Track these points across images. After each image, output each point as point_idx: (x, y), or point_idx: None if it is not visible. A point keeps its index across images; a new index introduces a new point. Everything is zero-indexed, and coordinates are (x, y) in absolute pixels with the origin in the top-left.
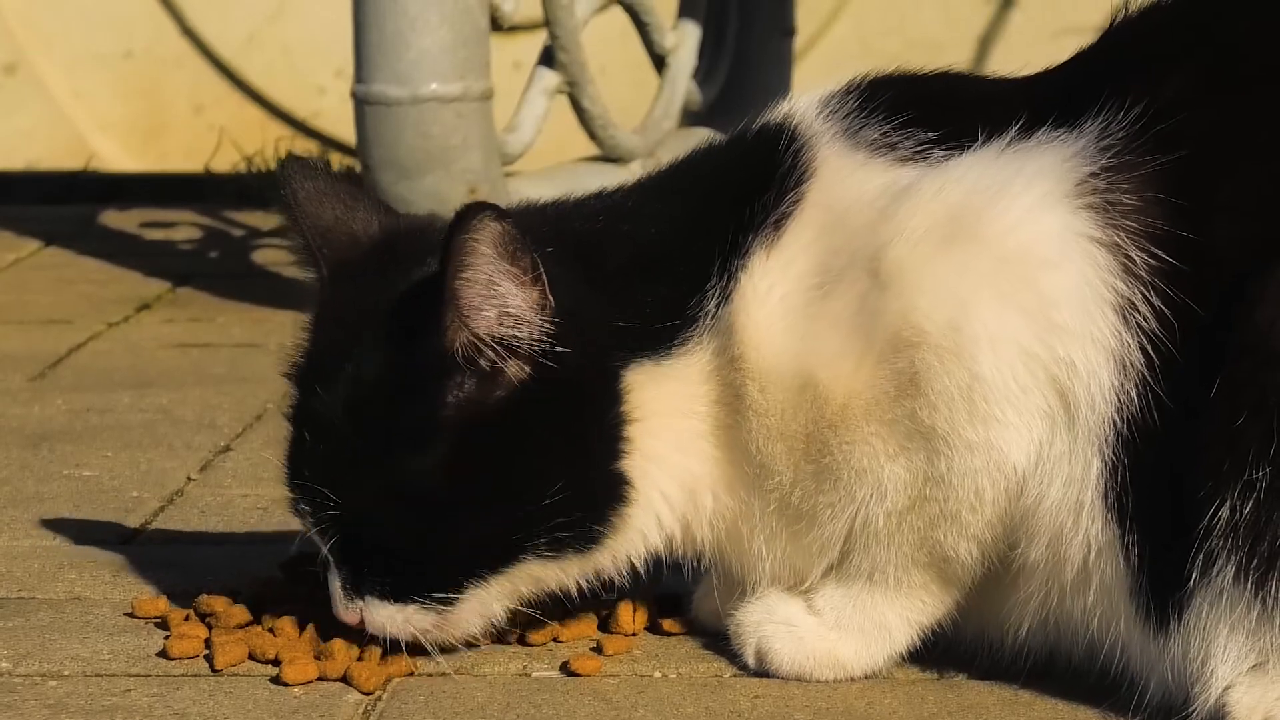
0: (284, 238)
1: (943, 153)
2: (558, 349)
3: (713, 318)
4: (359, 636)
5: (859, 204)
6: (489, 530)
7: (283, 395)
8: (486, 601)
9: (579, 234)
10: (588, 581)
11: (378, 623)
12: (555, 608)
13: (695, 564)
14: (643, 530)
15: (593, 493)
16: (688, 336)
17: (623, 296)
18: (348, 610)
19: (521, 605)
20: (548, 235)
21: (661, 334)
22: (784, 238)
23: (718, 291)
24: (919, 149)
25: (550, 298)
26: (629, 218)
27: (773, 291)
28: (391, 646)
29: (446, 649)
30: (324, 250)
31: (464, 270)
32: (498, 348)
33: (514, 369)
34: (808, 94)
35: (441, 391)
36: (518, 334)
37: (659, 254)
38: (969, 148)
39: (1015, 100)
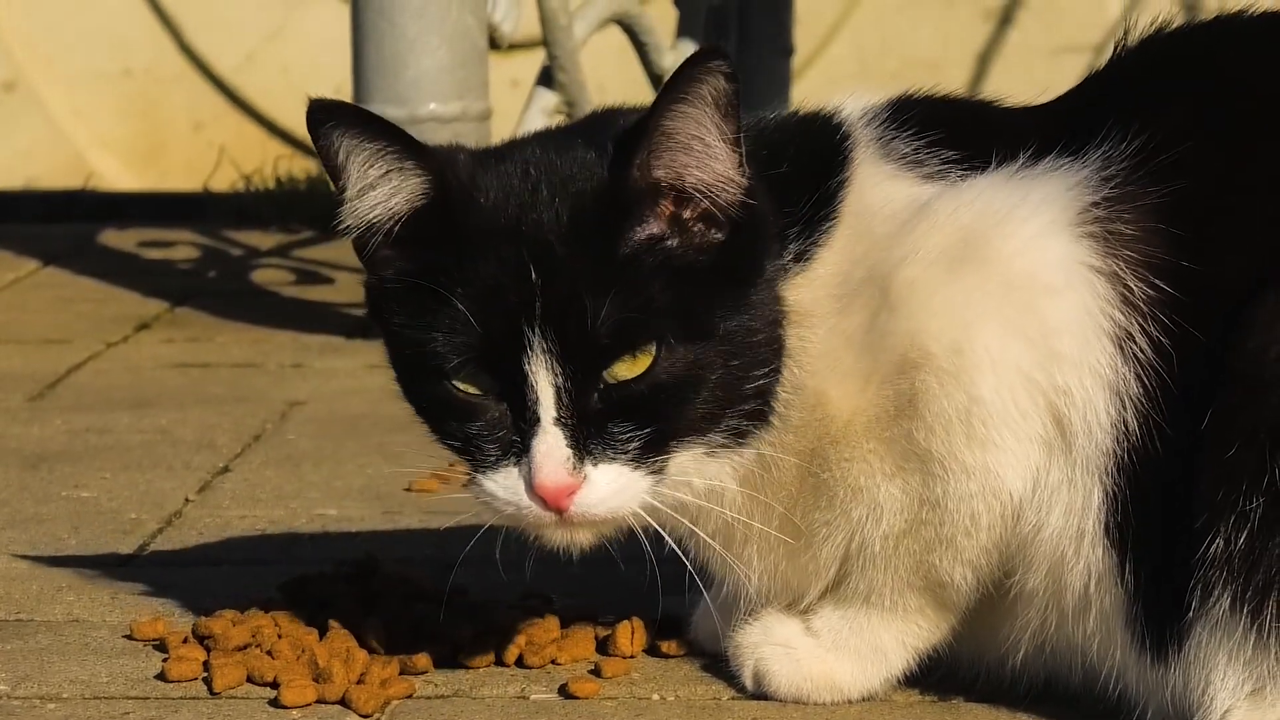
0: (345, 158)
1: (961, 172)
2: (751, 223)
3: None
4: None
5: (881, 216)
6: (712, 390)
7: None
8: (682, 469)
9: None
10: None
11: (603, 491)
12: (553, 629)
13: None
14: (748, 459)
15: (771, 387)
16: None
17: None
18: (572, 474)
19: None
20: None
21: (783, 245)
22: (834, 240)
23: (794, 247)
24: (941, 167)
25: (746, 166)
26: (768, 138)
27: (818, 294)
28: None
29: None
30: (415, 148)
31: (680, 104)
32: (699, 195)
33: (711, 231)
34: (855, 98)
35: (644, 228)
36: (716, 190)
37: (783, 188)
38: (984, 169)
39: (1029, 126)
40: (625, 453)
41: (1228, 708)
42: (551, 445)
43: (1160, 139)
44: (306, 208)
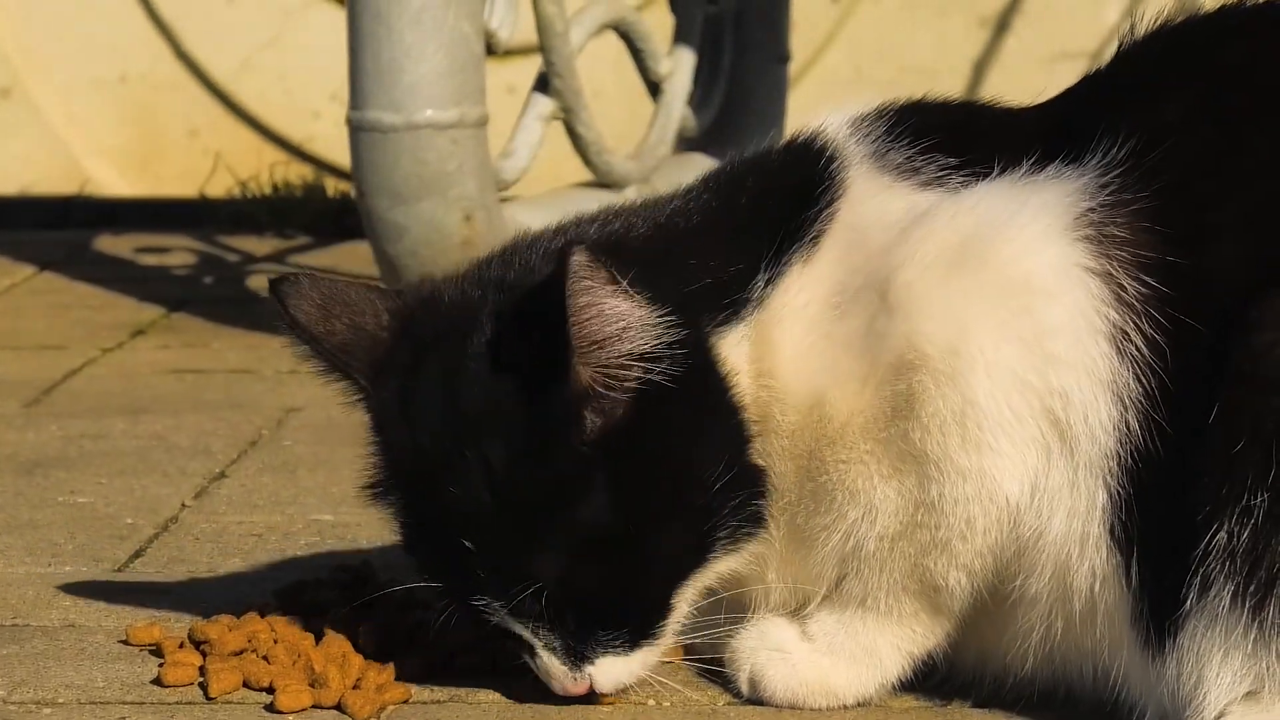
0: (306, 359)
1: (961, 179)
2: (669, 339)
3: (751, 317)
4: (351, 666)
5: (879, 225)
6: (680, 539)
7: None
8: (684, 611)
9: (636, 237)
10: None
11: (613, 680)
12: None
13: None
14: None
15: (749, 468)
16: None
17: (693, 279)
18: (578, 683)
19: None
20: (609, 247)
21: (728, 304)
22: (819, 253)
23: (758, 293)
24: (940, 174)
25: (641, 302)
26: (683, 217)
27: (807, 309)
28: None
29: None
30: (351, 362)
31: (579, 313)
32: (624, 364)
33: (638, 373)
34: (839, 113)
35: (580, 431)
36: (636, 345)
37: (708, 249)
38: (985, 175)
39: (1028, 130)
40: (616, 646)
41: (1222, 708)
42: (546, 666)
43: (1157, 136)
44: (303, 214)
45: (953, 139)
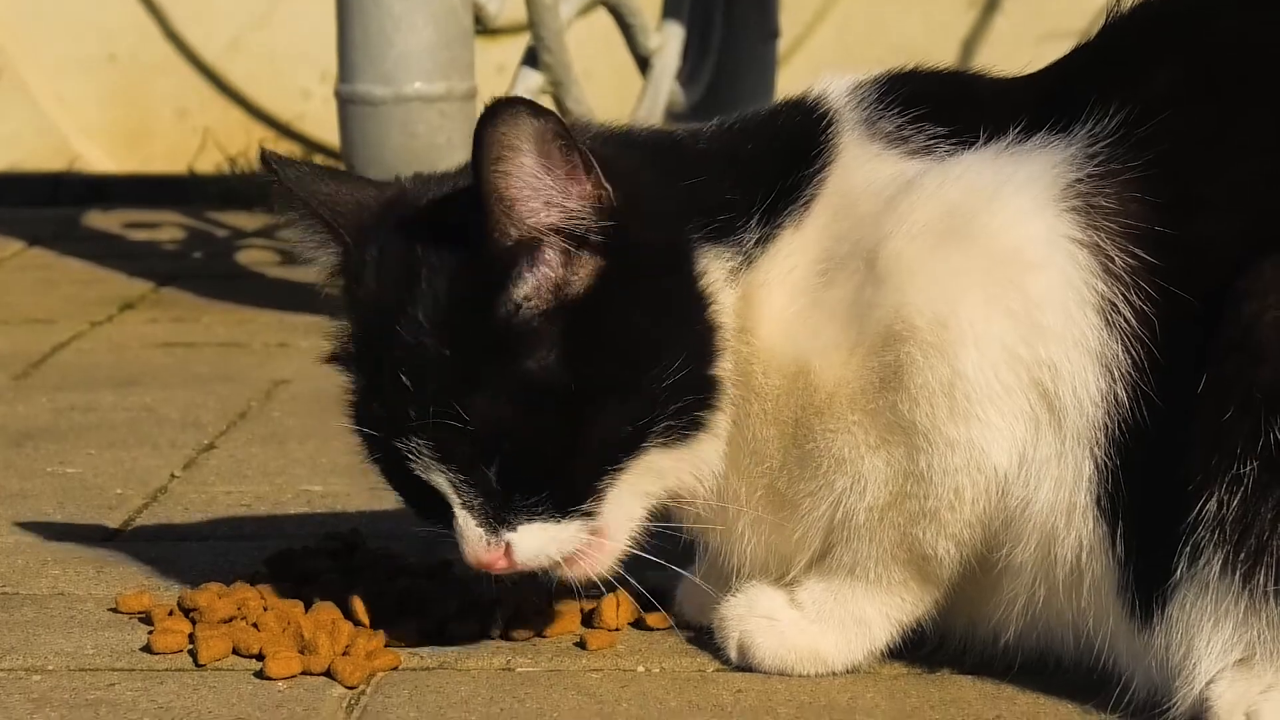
0: (290, 225)
1: (949, 148)
2: (628, 235)
3: (740, 269)
4: (341, 633)
5: (867, 193)
6: (615, 419)
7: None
8: (627, 504)
9: (647, 143)
10: (689, 484)
11: (531, 550)
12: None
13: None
14: (719, 438)
15: (707, 378)
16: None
17: (693, 191)
18: (491, 548)
19: (649, 521)
20: (619, 139)
21: (717, 229)
22: (808, 219)
23: (748, 244)
24: (928, 143)
25: (606, 187)
26: (696, 146)
27: (793, 273)
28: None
29: (581, 589)
30: (339, 219)
31: (498, 164)
32: (558, 237)
33: (586, 259)
34: (842, 79)
35: (515, 287)
36: (577, 223)
37: (711, 175)
38: (972, 144)
39: (1019, 99)
40: (539, 512)
41: (1213, 675)
42: (463, 527)
43: (1145, 108)
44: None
45: (942, 108)
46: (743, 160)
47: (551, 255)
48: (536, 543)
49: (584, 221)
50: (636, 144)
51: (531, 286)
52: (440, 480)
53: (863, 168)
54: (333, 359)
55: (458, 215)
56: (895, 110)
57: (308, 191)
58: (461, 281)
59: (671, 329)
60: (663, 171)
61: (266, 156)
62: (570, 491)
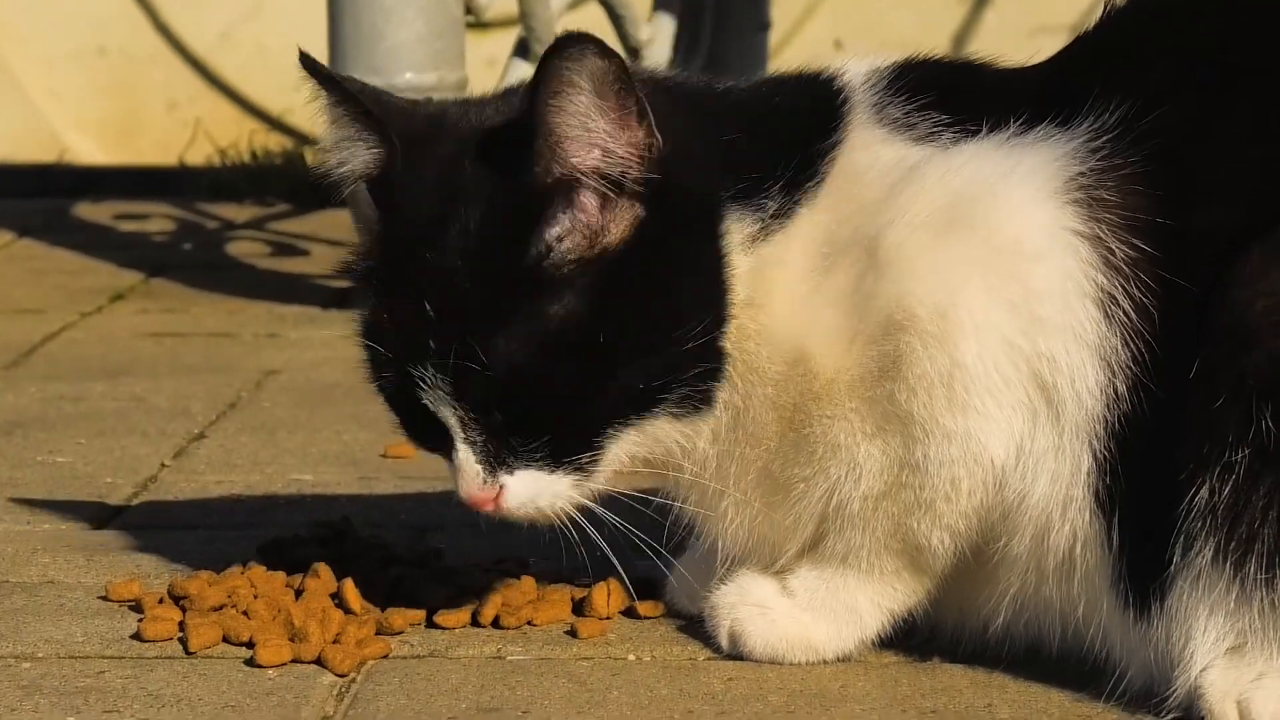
0: (340, 118)
1: (952, 136)
2: (670, 187)
3: (757, 239)
4: (331, 621)
5: (869, 178)
6: (635, 377)
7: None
8: (618, 459)
9: (694, 93)
10: (679, 449)
11: (521, 497)
12: (529, 591)
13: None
14: (716, 413)
15: (717, 349)
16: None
17: (732, 149)
18: (486, 488)
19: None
20: (669, 88)
21: (752, 190)
22: (819, 199)
23: (767, 216)
24: (932, 131)
25: (657, 137)
26: (736, 100)
27: (804, 253)
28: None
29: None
30: (386, 117)
31: (555, 98)
32: (601, 182)
33: (626, 208)
34: (861, 62)
35: (549, 229)
36: (623, 170)
37: (753, 141)
38: (975, 133)
39: (1022, 90)
40: (536, 459)
41: (1206, 663)
42: (462, 462)
43: (1145, 100)
44: (282, 181)
45: (948, 96)
46: (772, 123)
47: (591, 200)
48: (528, 491)
49: (630, 169)
50: (685, 94)
51: (566, 228)
52: (448, 414)
53: (869, 150)
54: (347, 272)
55: (506, 144)
56: (904, 97)
57: (356, 89)
58: (497, 215)
59: (699, 291)
60: (706, 124)
61: (304, 56)
62: (572, 444)
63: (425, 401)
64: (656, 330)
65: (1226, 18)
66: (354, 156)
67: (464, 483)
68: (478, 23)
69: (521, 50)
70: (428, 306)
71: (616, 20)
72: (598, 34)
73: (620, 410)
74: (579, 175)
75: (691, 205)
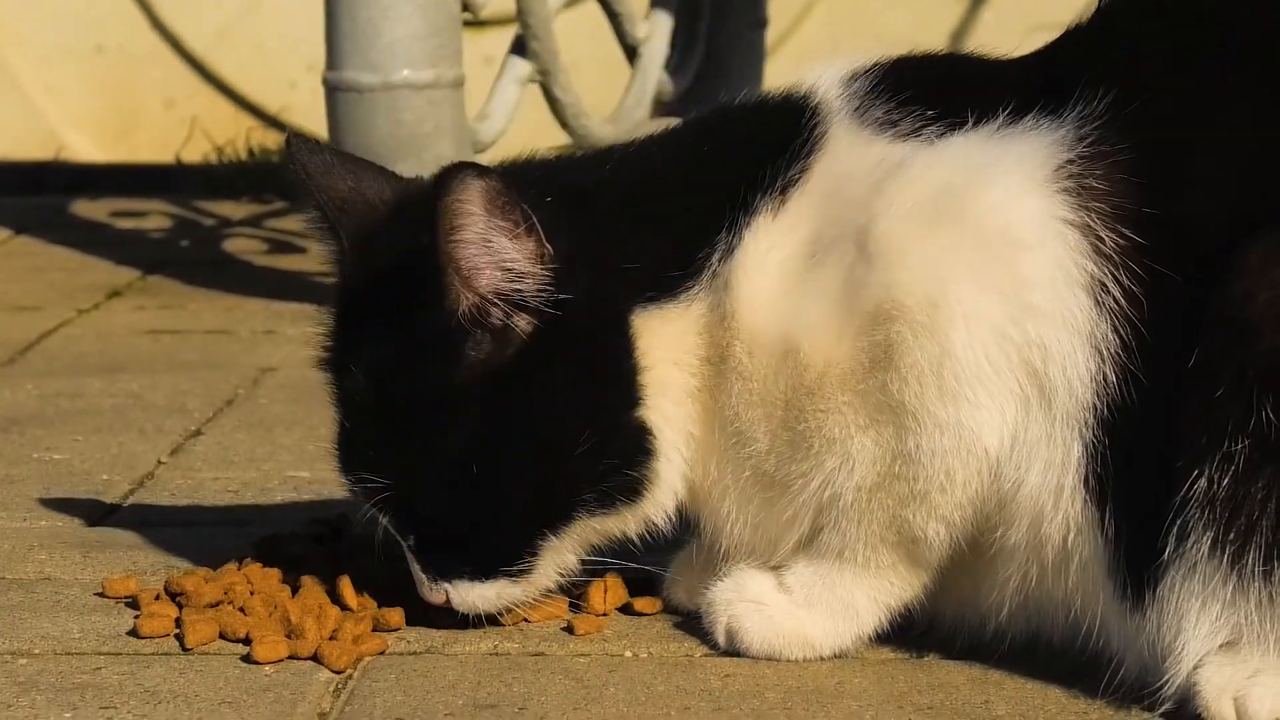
0: (300, 214)
1: (938, 130)
2: (561, 296)
3: (713, 272)
4: (328, 617)
5: (855, 176)
6: (535, 491)
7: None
8: (563, 555)
9: (580, 184)
10: (645, 530)
11: (469, 603)
12: None
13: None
14: (671, 480)
15: (621, 441)
16: (690, 286)
17: (626, 240)
18: (434, 592)
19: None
20: (543, 186)
21: (666, 281)
22: (788, 204)
23: (723, 246)
24: (917, 126)
25: (547, 246)
26: (636, 169)
27: (771, 254)
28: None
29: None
30: (342, 220)
31: (455, 233)
32: (502, 304)
33: (522, 322)
34: (834, 67)
35: (458, 357)
36: (520, 287)
37: (666, 204)
38: (960, 126)
39: (1009, 81)
40: (465, 574)
41: (1199, 659)
42: (413, 567)
43: (1136, 89)
44: (279, 179)
45: (931, 92)
46: (705, 178)
47: (496, 319)
48: (471, 598)
49: (527, 282)
50: (573, 186)
51: (475, 353)
52: (385, 521)
53: (852, 154)
54: (319, 363)
55: (418, 272)
56: (886, 96)
57: (321, 185)
58: (407, 341)
59: (585, 396)
60: (599, 213)
61: (291, 139)
62: (496, 558)
63: (366, 504)
64: (551, 443)
65: (1221, 8)
66: (322, 245)
67: (419, 587)
68: (475, 20)
69: (519, 48)
70: (347, 423)
71: (613, 18)
72: (595, 33)
73: (538, 523)
74: (484, 298)
75: (586, 309)
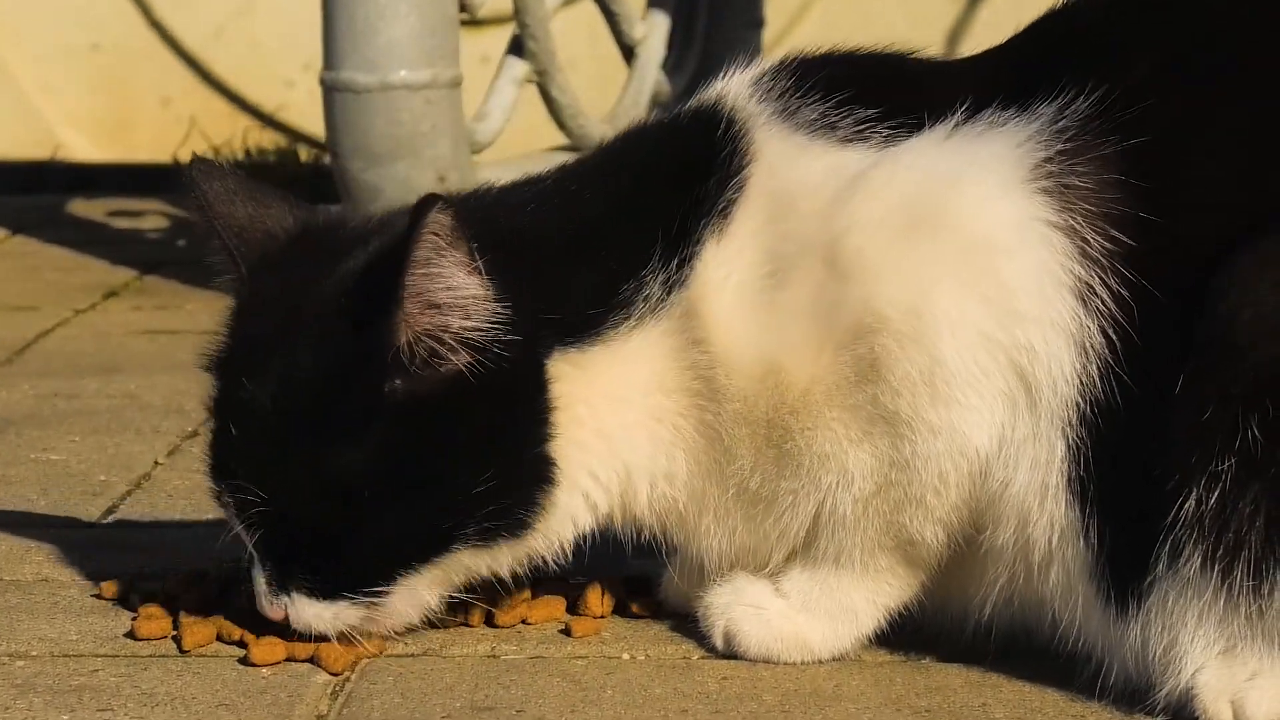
0: (198, 240)
1: (886, 131)
2: (496, 336)
3: (658, 302)
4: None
5: (805, 188)
6: (421, 522)
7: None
8: (418, 592)
9: (505, 224)
10: (521, 566)
11: (303, 620)
12: (523, 590)
13: (653, 541)
14: (571, 512)
15: (520, 479)
16: (619, 322)
17: (547, 285)
18: (272, 607)
19: (454, 593)
20: (475, 225)
21: (588, 321)
22: (732, 225)
23: (661, 277)
24: (860, 128)
25: (488, 285)
26: (556, 205)
27: (729, 280)
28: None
29: (387, 637)
30: (240, 248)
31: (422, 266)
32: (448, 339)
33: (457, 359)
34: (739, 74)
35: (384, 384)
36: (466, 324)
37: (586, 241)
38: (912, 126)
39: (958, 79)
40: (309, 590)
41: (1199, 666)
42: (256, 577)
43: (1124, 91)
44: (276, 179)
45: (870, 90)
46: (626, 199)
47: (433, 352)
48: (308, 615)
49: (470, 322)
50: (500, 225)
51: (401, 383)
52: (239, 529)
53: (791, 162)
54: (205, 360)
55: (360, 296)
56: (816, 96)
57: (220, 213)
58: (331, 362)
59: (508, 434)
60: (522, 255)
61: (193, 165)
62: (349, 578)
63: (225, 510)
64: (447, 476)
65: (1207, 11)
66: (224, 272)
67: (258, 598)
68: (472, 20)
69: (516, 48)
70: (231, 428)
71: (610, 17)
72: (592, 32)
73: (406, 555)
74: (429, 331)
75: (511, 348)
